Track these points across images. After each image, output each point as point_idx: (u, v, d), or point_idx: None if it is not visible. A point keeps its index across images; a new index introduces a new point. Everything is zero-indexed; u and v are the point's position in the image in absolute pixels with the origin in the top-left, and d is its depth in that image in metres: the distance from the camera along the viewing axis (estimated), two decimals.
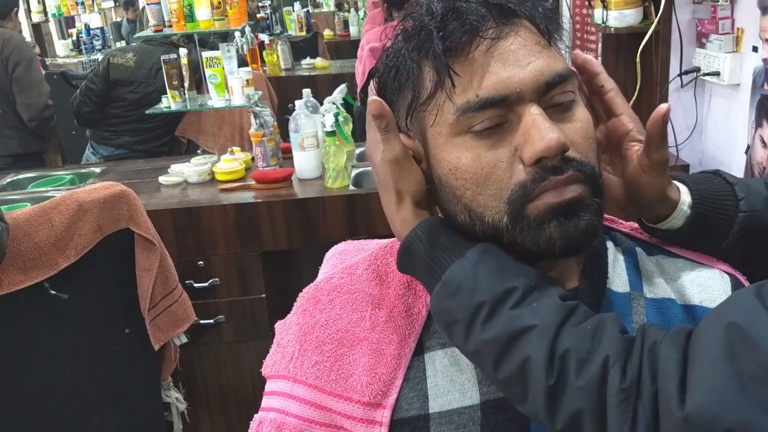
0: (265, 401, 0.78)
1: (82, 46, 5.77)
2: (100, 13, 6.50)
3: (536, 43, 0.65)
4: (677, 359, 0.55)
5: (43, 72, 4.68)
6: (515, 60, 0.63)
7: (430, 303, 0.67)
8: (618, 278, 0.73)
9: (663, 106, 0.68)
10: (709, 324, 0.56)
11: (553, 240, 0.63)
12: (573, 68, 0.68)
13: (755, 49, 1.86)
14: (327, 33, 6.28)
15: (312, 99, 2.67)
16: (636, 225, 0.82)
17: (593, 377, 0.57)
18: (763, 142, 1.82)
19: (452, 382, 0.71)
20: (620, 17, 2.22)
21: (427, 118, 0.67)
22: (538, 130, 0.62)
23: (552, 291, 0.63)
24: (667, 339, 0.57)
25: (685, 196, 0.72)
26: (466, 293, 0.63)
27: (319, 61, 5.13)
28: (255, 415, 0.78)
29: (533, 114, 0.63)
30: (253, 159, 2.66)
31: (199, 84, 2.82)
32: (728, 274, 0.75)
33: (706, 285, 0.73)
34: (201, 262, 2.30)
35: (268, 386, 0.79)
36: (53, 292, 1.73)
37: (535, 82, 0.63)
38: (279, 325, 0.82)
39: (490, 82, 0.63)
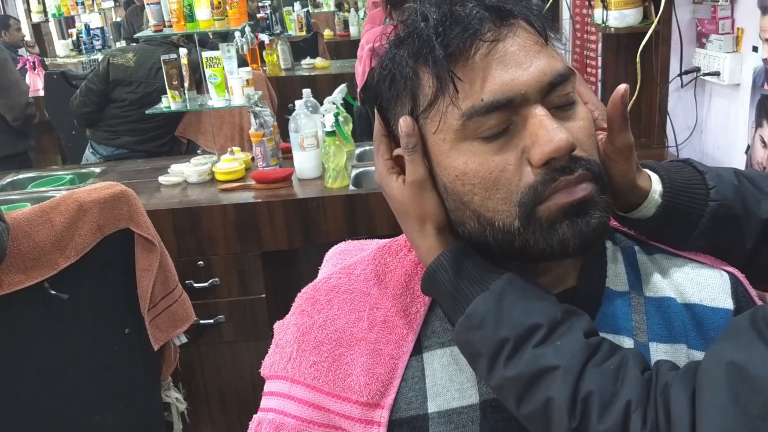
0: (264, 402, 0.78)
1: (82, 46, 5.78)
2: (100, 13, 6.50)
3: (534, 43, 0.64)
4: (687, 403, 0.55)
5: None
6: (516, 62, 0.63)
7: (454, 333, 0.67)
8: (617, 277, 0.73)
9: (621, 87, 0.68)
10: (710, 364, 0.56)
11: (566, 240, 0.63)
12: (571, 67, 0.68)
13: (755, 49, 1.86)
14: (327, 33, 6.28)
15: (312, 99, 2.67)
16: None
17: (615, 422, 0.57)
18: (763, 142, 1.82)
19: (451, 382, 0.71)
20: (620, 17, 2.22)
21: (429, 125, 0.66)
22: (546, 131, 0.61)
23: (576, 326, 0.62)
24: (677, 381, 0.58)
25: (656, 185, 0.72)
26: (490, 328, 0.63)
27: (319, 61, 5.13)
28: (254, 416, 0.78)
29: (539, 115, 0.62)
30: (253, 159, 2.66)
31: (199, 84, 2.82)
32: (727, 272, 0.75)
33: (706, 284, 0.73)
34: (201, 262, 2.30)
35: (267, 387, 0.79)
36: (53, 292, 1.73)
37: (538, 83, 0.63)
38: (277, 326, 0.82)
39: (494, 85, 0.62)
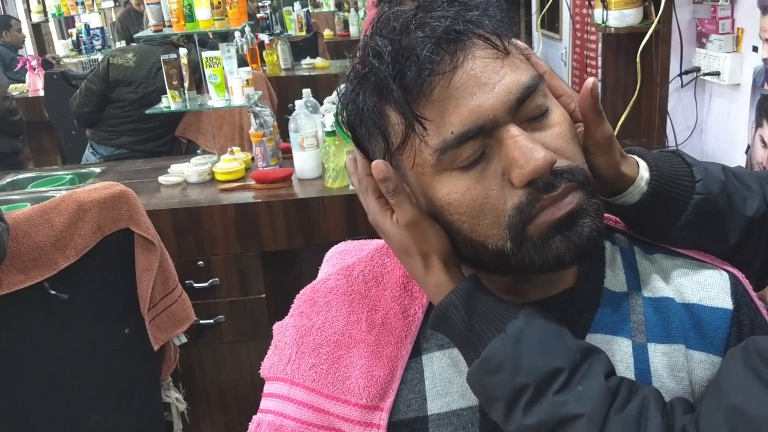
0: (263, 403, 0.78)
1: (82, 46, 5.78)
2: (100, 13, 6.50)
3: (495, 58, 0.62)
4: None
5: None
6: (479, 85, 0.61)
7: (468, 376, 0.65)
8: (615, 278, 0.73)
9: (588, 81, 0.66)
10: (710, 409, 0.56)
11: (561, 254, 0.62)
12: (537, 72, 0.66)
13: (755, 49, 1.86)
14: (327, 33, 6.28)
15: (312, 99, 2.67)
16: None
17: None
18: (763, 142, 1.82)
19: (451, 384, 0.71)
20: (620, 17, 2.22)
21: (405, 161, 0.65)
22: (522, 153, 0.60)
23: (596, 368, 0.61)
24: (691, 427, 0.57)
25: (644, 172, 0.71)
26: (508, 373, 0.61)
27: (319, 61, 5.13)
28: (253, 417, 0.78)
29: (513, 136, 0.61)
30: (253, 159, 2.66)
31: (199, 84, 2.82)
32: (727, 272, 0.75)
33: (705, 283, 0.73)
34: (201, 262, 2.30)
35: (267, 388, 0.79)
36: (53, 292, 1.73)
37: (505, 104, 0.61)
38: (276, 327, 0.82)
39: (462, 115, 0.60)
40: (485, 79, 0.61)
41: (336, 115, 0.71)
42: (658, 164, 0.71)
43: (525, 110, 0.62)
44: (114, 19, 7.05)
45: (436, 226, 0.67)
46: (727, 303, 0.72)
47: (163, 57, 2.69)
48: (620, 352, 0.69)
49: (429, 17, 0.62)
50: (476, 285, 0.66)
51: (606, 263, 0.74)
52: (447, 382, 0.71)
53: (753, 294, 0.75)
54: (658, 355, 0.69)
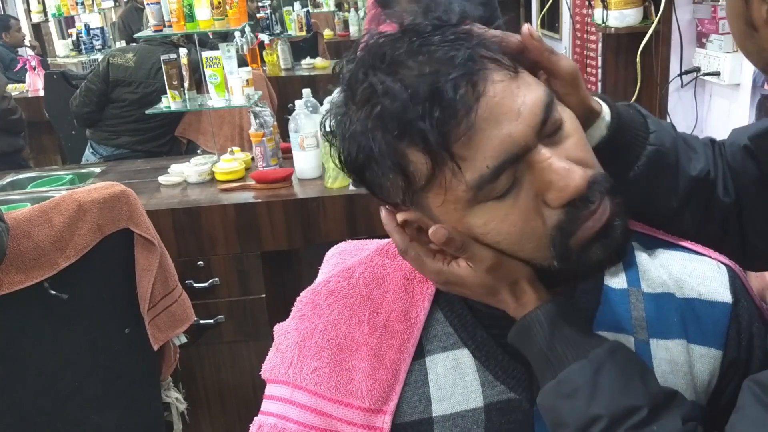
0: (265, 405, 0.78)
1: (82, 46, 5.77)
2: (100, 13, 6.49)
3: (509, 82, 0.60)
4: None
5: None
6: (504, 113, 0.59)
7: (540, 395, 0.64)
8: (616, 275, 0.74)
9: (523, 27, 0.65)
10: None
11: (601, 261, 0.63)
12: (547, 87, 0.64)
13: None
14: (327, 33, 6.27)
15: (312, 99, 2.67)
16: (633, 220, 0.82)
17: None
18: None
19: (455, 386, 0.71)
20: (620, 17, 2.22)
21: (432, 199, 0.62)
22: (560, 176, 0.59)
23: (676, 412, 0.60)
24: None
25: (605, 114, 0.71)
26: (583, 400, 0.60)
27: (319, 61, 5.13)
28: (255, 419, 0.78)
29: (546, 158, 0.60)
30: (253, 159, 2.66)
31: (199, 84, 2.82)
32: (726, 265, 0.75)
33: (705, 277, 0.73)
34: (201, 262, 2.30)
35: (268, 390, 0.79)
36: (53, 292, 1.73)
37: (533, 127, 0.60)
38: (278, 329, 0.81)
39: (495, 147, 0.58)
40: (509, 105, 0.59)
41: (332, 152, 0.67)
42: (617, 110, 0.71)
43: (547, 128, 0.61)
44: (114, 19, 7.06)
45: (511, 259, 0.65)
46: (726, 297, 0.72)
47: (163, 57, 2.68)
48: None
49: (430, 44, 0.60)
50: (563, 306, 0.65)
51: None
52: (451, 384, 0.71)
53: (750, 287, 0.76)
54: (661, 350, 0.70)
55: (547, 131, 0.61)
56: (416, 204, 0.64)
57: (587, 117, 0.69)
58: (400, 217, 0.67)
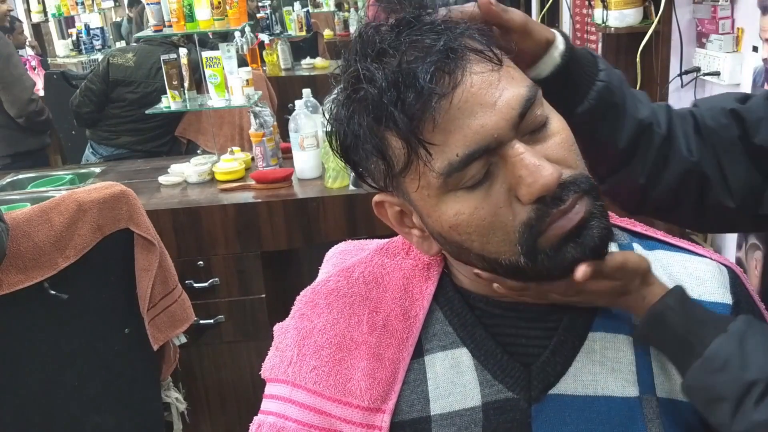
0: (265, 404, 0.78)
1: (82, 46, 5.78)
2: (100, 13, 6.50)
3: (490, 70, 0.61)
4: None
5: (43, 72, 4.69)
6: (480, 104, 0.59)
7: (688, 377, 0.65)
8: None
9: None
10: None
11: (577, 259, 0.63)
12: (532, 82, 0.64)
13: (755, 49, 1.86)
14: (327, 33, 6.27)
15: (312, 99, 2.67)
16: (632, 219, 0.82)
17: None
18: None
19: (453, 385, 0.71)
20: (620, 17, 2.22)
21: (409, 184, 0.64)
22: (529, 171, 0.59)
23: None
24: None
25: (559, 43, 0.72)
26: (735, 370, 0.61)
27: (319, 61, 5.13)
28: (254, 418, 0.78)
29: (519, 153, 0.60)
30: (253, 159, 2.66)
31: (199, 84, 2.82)
32: (726, 266, 0.76)
33: (705, 278, 0.74)
34: (201, 262, 2.30)
35: (268, 389, 0.79)
36: (53, 292, 1.73)
37: (508, 121, 0.60)
38: (277, 328, 0.82)
39: (466, 137, 0.59)
40: (486, 97, 0.59)
41: (328, 136, 0.70)
42: (570, 44, 0.73)
43: (526, 123, 0.61)
44: (115, 19, 7.06)
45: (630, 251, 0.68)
46: (726, 297, 0.73)
47: (163, 57, 2.68)
48: (622, 350, 0.70)
49: (417, 34, 0.61)
50: (682, 290, 0.68)
51: None
52: (450, 382, 0.71)
53: (752, 289, 0.76)
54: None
55: (527, 127, 0.62)
56: (397, 188, 0.66)
57: (541, 46, 0.71)
58: (379, 197, 0.69)
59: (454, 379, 0.71)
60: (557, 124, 0.64)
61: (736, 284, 0.74)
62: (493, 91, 0.60)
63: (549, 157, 0.61)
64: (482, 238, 0.63)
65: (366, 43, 0.63)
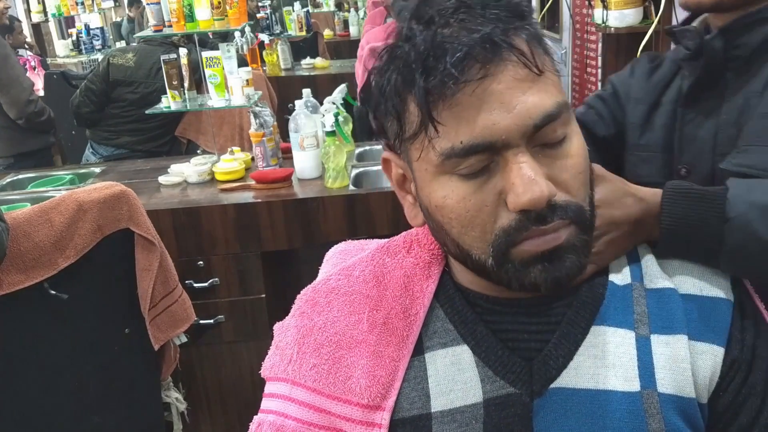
0: (265, 403, 0.78)
1: (82, 46, 5.78)
2: (100, 13, 6.50)
3: (525, 77, 0.60)
4: None
5: (43, 72, 4.69)
6: (501, 102, 0.60)
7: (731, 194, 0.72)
8: (620, 271, 0.74)
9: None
10: None
11: (538, 283, 0.64)
12: (566, 101, 0.65)
13: None
14: (327, 33, 6.28)
15: (312, 99, 2.67)
16: None
17: None
18: None
19: (454, 381, 0.71)
20: (620, 17, 2.22)
21: (413, 152, 0.66)
22: (522, 181, 0.60)
23: None
24: None
25: None
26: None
27: (319, 61, 5.13)
28: (254, 417, 0.78)
29: (519, 162, 0.60)
30: (253, 159, 2.66)
31: (199, 84, 2.82)
32: None
33: (707, 276, 0.74)
34: (201, 262, 2.30)
35: (268, 388, 0.79)
36: (53, 292, 1.73)
37: (521, 128, 0.60)
38: (277, 327, 0.82)
39: (476, 128, 0.60)
40: (508, 98, 0.60)
41: (369, 78, 0.70)
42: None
43: (541, 135, 0.62)
44: (115, 19, 7.06)
45: (609, 177, 0.74)
46: (729, 295, 0.73)
47: (163, 57, 2.68)
48: (623, 345, 0.70)
49: (471, 15, 0.61)
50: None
51: None
52: (450, 379, 0.72)
53: (752, 291, 0.76)
54: (661, 346, 0.70)
55: (542, 139, 0.62)
56: (403, 152, 0.68)
57: None
58: (387, 155, 0.71)
59: (455, 376, 0.71)
60: (574, 148, 0.64)
61: (737, 283, 0.75)
62: (519, 94, 0.60)
63: (551, 177, 0.62)
64: (461, 228, 0.64)
65: (425, 3, 0.63)
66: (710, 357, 0.70)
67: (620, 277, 0.74)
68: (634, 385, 0.69)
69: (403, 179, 0.72)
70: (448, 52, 0.59)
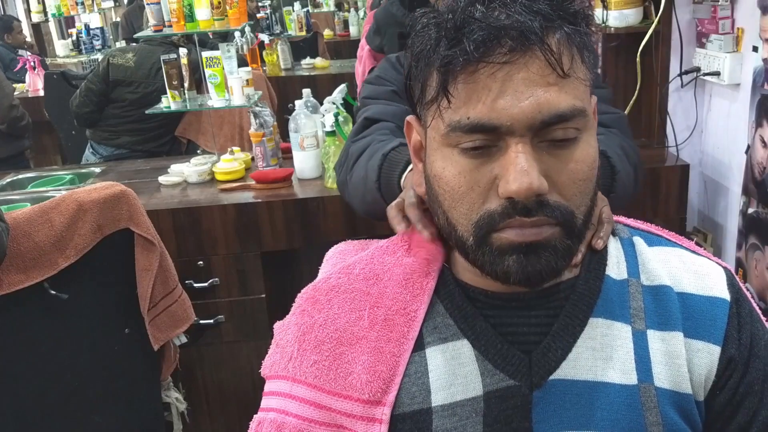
0: (265, 401, 0.79)
1: (82, 46, 5.78)
2: (100, 13, 6.50)
3: (549, 75, 0.61)
4: None
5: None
6: (516, 90, 0.61)
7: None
8: (617, 266, 0.75)
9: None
10: None
11: (509, 273, 0.65)
12: (585, 107, 0.65)
13: (755, 49, 1.86)
14: (327, 33, 6.28)
15: (312, 99, 2.67)
16: (632, 219, 0.83)
17: None
18: (763, 142, 1.82)
19: (455, 376, 0.72)
20: (620, 17, 2.21)
21: (428, 118, 0.68)
22: (515, 170, 0.61)
23: None
24: None
25: None
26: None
27: (319, 61, 5.13)
28: (255, 416, 0.78)
29: (517, 151, 0.62)
30: (253, 159, 2.66)
31: (199, 84, 2.82)
32: (723, 267, 0.77)
33: (703, 273, 0.75)
34: (201, 262, 2.29)
35: (268, 386, 0.79)
36: (53, 292, 1.73)
37: (528, 119, 0.61)
38: (278, 326, 0.82)
39: (485, 108, 0.61)
40: (525, 88, 0.61)
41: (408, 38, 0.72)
42: None
43: (549, 132, 0.63)
44: (115, 19, 7.06)
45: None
46: (725, 294, 0.73)
47: (163, 57, 2.68)
48: (620, 338, 0.71)
49: (516, 3, 0.62)
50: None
51: (608, 252, 0.76)
52: (450, 374, 0.72)
53: (746, 288, 0.77)
54: (657, 341, 0.71)
55: (549, 136, 0.63)
56: (423, 118, 0.71)
57: None
58: (410, 118, 0.74)
59: (455, 371, 0.72)
60: (582, 154, 0.65)
61: (733, 283, 0.75)
62: (536, 88, 0.61)
63: (549, 175, 0.63)
64: (451, 201, 0.66)
65: None
66: (706, 355, 0.70)
67: (617, 272, 0.74)
68: (631, 378, 0.69)
69: (420, 146, 0.74)
70: (476, 30, 0.61)
